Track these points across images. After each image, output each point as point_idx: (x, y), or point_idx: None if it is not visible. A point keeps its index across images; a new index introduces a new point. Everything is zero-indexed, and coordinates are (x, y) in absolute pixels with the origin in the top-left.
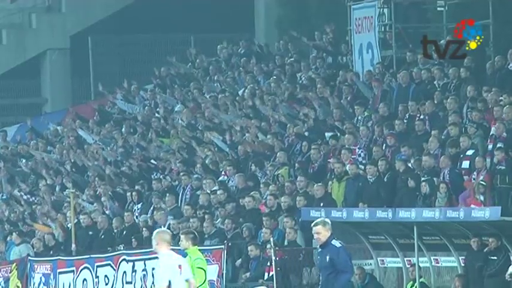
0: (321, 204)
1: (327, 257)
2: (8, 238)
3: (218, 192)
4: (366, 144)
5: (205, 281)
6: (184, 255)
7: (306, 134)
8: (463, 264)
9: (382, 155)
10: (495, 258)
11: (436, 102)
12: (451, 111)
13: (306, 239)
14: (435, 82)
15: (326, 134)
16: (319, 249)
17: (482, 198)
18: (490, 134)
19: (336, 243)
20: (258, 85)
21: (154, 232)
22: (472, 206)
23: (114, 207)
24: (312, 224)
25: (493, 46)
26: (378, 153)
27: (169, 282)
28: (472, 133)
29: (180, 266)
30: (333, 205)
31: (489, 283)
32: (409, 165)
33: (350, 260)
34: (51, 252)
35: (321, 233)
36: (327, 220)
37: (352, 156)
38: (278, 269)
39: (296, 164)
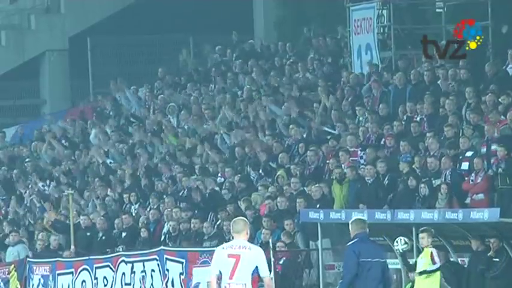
0: (318, 206)
1: None
2: (7, 240)
3: (220, 192)
4: (366, 145)
5: None
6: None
7: (305, 135)
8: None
9: (381, 155)
10: (497, 260)
11: (434, 103)
12: (450, 112)
13: (306, 240)
14: (435, 83)
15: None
16: None
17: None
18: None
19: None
20: (256, 86)
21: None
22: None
23: (112, 209)
24: None
25: (491, 47)
26: (377, 154)
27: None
28: (469, 135)
29: None
30: (330, 206)
31: (492, 285)
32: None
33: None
34: (60, 252)
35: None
36: (354, 218)
37: (354, 158)
38: (277, 270)
39: (294, 166)
